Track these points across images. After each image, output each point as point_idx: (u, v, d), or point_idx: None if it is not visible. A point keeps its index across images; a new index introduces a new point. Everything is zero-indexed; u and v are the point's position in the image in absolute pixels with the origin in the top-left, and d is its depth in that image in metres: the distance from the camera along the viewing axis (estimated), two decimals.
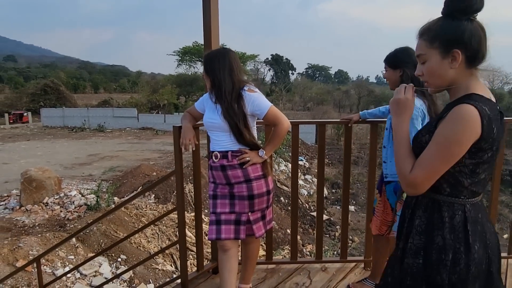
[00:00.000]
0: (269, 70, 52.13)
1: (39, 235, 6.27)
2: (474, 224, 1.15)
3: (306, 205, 11.17)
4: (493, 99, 1.14)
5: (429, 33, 1.15)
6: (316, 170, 2.67)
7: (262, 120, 2.00)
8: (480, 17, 1.13)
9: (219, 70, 1.89)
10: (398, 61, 1.95)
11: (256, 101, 1.90)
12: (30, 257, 5.47)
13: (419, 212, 1.20)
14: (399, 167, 1.16)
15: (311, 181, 13.36)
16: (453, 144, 1.07)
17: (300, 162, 14.16)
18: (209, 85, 1.96)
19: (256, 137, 2.08)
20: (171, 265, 6.48)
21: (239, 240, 2.09)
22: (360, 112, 2.45)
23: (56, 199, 8.50)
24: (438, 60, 1.14)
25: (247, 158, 1.92)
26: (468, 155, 1.09)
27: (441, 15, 1.16)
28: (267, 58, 51.39)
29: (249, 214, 1.97)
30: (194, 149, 2.07)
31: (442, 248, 1.13)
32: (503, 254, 2.71)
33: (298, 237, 8.38)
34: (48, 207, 8.22)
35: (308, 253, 8.12)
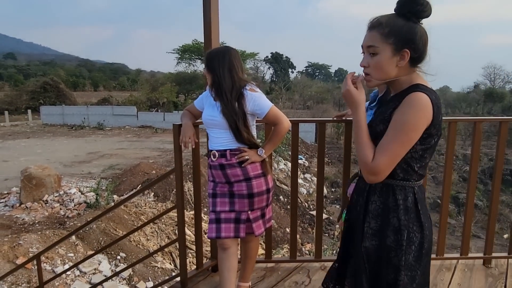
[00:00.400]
0: (269, 68, 52.09)
1: (39, 233, 6.27)
2: (422, 204, 1.25)
3: (306, 204, 11.17)
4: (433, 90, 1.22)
5: (385, 28, 1.17)
6: (316, 169, 2.67)
7: (261, 119, 2.01)
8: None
9: (219, 68, 1.89)
10: None
11: (257, 100, 1.91)
12: (30, 255, 5.47)
13: (374, 197, 1.26)
14: (360, 155, 1.19)
15: (310, 180, 13.36)
16: (411, 129, 1.13)
17: (299, 161, 14.15)
18: (209, 82, 1.96)
19: (256, 136, 2.08)
20: (170, 263, 6.48)
21: (239, 239, 2.09)
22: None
23: (56, 196, 8.50)
24: (389, 55, 1.18)
25: (246, 157, 1.92)
26: (419, 141, 1.17)
27: (393, 13, 1.20)
28: (267, 56, 51.34)
29: (249, 212, 1.98)
30: (194, 147, 2.07)
31: (398, 229, 1.21)
32: (503, 254, 2.73)
33: (298, 236, 8.39)
34: (48, 204, 8.21)
35: (307, 252, 8.13)
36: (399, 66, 1.20)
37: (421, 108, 1.13)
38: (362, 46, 1.24)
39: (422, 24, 1.20)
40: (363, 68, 1.25)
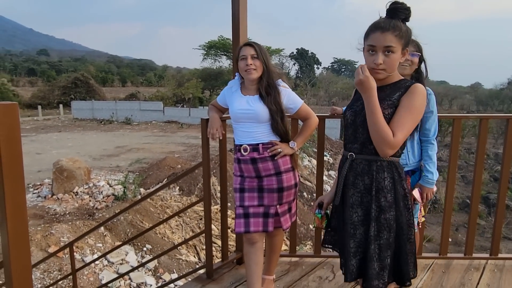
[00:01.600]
0: (294, 64, 51.73)
1: (70, 223, 6.53)
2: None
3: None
4: None
5: (397, 30, 1.39)
6: None
7: (293, 114, 2.04)
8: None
9: (268, 61, 1.96)
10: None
11: (291, 95, 1.99)
12: (61, 244, 5.71)
13: (384, 175, 1.46)
14: (380, 133, 1.38)
15: (335, 176, 13.22)
16: (419, 111, 1.41)
17: (324, 158, 14.01)
18: (259, 73, 1.96)
19: None
20: (194, 256, 6.60)
21: (264, 234, 2.10)
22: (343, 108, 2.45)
23: (86, 188, 8.81)
24: (399, 54, 1.42)
25: (279, 150, 1.94)
26: None
27: (390, 18, 1.40)
28: (292, 52, 50.99)
29: (277, 206, 1.99)
30: (221, 138, 2.11)
31: (405, 196, 1.48)
32: (485, 255, 2.68)
33: (322, 232, 8.32)
34: (78, 196, 8.53)
35: (331, 249, 8.07)
36: (399, 63, 1.46)
37: (424, 95, 1.43)
38: (374, 45, 1.40)
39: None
40: (375, 64, 1.41)
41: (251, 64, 1.92)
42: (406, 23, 1.43)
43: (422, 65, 2.01)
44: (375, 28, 1.40)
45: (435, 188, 2.07)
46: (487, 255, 2.66)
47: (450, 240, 9.50)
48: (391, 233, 1.45)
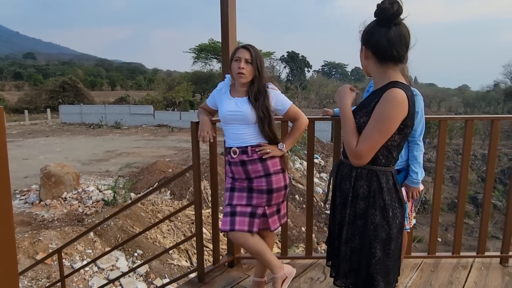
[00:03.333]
0: (285, 67, 51.92)
1: (58, 229, 6.42)
2: (398, 185, 1.49)
3: (321, 203, 11.11)
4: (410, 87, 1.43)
5: (361, 35, 1.43)
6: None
7: (282, 116, 2.07)
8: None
9: (261, 66, 1.98)
10: None
11: (280, 97, 2.01)
12: (50, 250, 5.61)
13: (361, 182, 1.44)
14: (346, 142, 1.40)
15: (326, 179, 13.28)
16: (388, 120, 1.32)
17: (315, 160, 14.07)
18: (249, 78, 1.97)
19: None
20: (186, 261, 6.55)
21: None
22: (334, 109, 2.50)
23: (75, 194, 8.69)
24: (361, 52, 1.44)
25: (268, 150, 1.96)
26: (397, 131, 1.36)
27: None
28: (283, 55, 51.18)
29: (266, 207, 2.00)
30: (211, 141, 2.11)
31: (384, 208, 1.41)
32: (473, 254, 2.72)
33: (313, 235, 8.36)
34: (66, 202, 8.41)
35: (323, 251, 8.10)
36: (368, 61, 1.43)
37: (398, 102, 1.31)
38: None
39: (392, 26, 1.35)
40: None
41: (243, 68, 1.93)
42: (390, 23, 1.38)
43: None
44: None
45: (421, 187, 2.10)
46: (474, 254, 2.71)
47: (439, 240, 9.61)
48: (361, 239, 1.44)
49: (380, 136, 1.34)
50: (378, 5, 1.34)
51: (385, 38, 1.34)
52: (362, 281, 1.45)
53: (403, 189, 2.04)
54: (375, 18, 1.37)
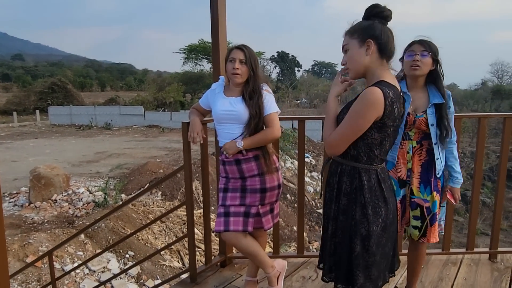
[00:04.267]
0: (275, 67, 52.01)
1: (48, 232, 6.35)
2: (385, 183, 1.49)
3: (313, 202, 11.17)
4: (398, 87, 1.44)
5: (351, 30, 1.46)
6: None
7: None
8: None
9: (256, 66, 1.99)
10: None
11: (270, 100, 2.00)
12: (40, 253, 5.55)
13: (344, 178, 1.49)
14: (324, 132, 1.48)
15: (317, 178, 13.35)
16: (359, 117, 1.36)
17: (306, 159, 14.14)
18: (244, 78, 1.98)
19: None
20: (178, 262, 6.54)
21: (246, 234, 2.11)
22: None
23: (65, 196, 8.59)
24: (356, 48, 1.43)
25: (223, 152, 2.00)
26: (376, 130, 1.38)
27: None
28: (273, 55, 51.26)
29: (259, 207, 2.01)
30: (202, 142, 2.11)
31: (364, 205, 1.43)
32: (509, 249, 2.77)
33: (305, 233, 8.41)
34: (56, 204, 8.31)
35: (314, 250, 8.14)
36: (369, 55, 1.42)
37: (370, 100, 1.33)
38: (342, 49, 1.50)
39: (385, 24, 1.44)
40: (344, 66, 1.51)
41: (237, 69, 1.94)
42: (384, 22, 1.44)
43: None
44: None
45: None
46: (463, 250, 2.75)
47: None
48: (344, 234, 1.48)
49: (350, 131, 1.39)
50: (376, 5, 1.43)
51: (386, 34, 1.42)
52: (343, 274, 1.50)
53: (449, 192, 2.00)
54: (372, 16, 1.43)
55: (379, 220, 1.45)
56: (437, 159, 1.92)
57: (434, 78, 1.92)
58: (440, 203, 2.01)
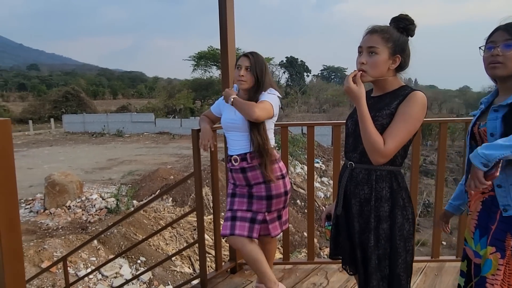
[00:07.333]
0: (284, 72, 52.03)
1: (63, 237, 6.45)
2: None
3: (323, 207, 11.10)
4: None
5: (386, 34, 1.40)
6: (332, 173, 2.69)
7: (280, 122, 2.10)
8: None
9: (263, 75, 2.00)
10: None
11: (267, 95, 2.00)
12: (55, 259, 5.64)
13: (383, 184, 1.44)
14: (371, 142, 1.35)
15: (327, 183, 13.26)
16: (416, 120, 1.36)
17: (316, 165, 14.07)
18: (249, 84, 2.01)
19: (273, 139, 2.11)
20: (189, 268, 6.56)
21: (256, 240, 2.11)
22: None
23: (78, 202, 8.72)
24: (385, 57, 1.39)
25: (224, 92, 2.04)
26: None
27: (389, 25, 1.44)
28: (282, 61, 51.30)
29: (266, 214, 2.01)
30: (212, 149, 2.14)
31: (404, 207, 1.44)
32: (427, 258, 2.74)
33: (315, 240, 8.35)
34: (70, 210, 8.43)
35: (325, 256, 8.08)
36: (390, 69, 1.42)
37: (424, 104, 1.37)
38: (361, 46, 1.43)
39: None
40: (359, 64, 1.42)
41: (242, 76, 1.98)
42: (409, 36, 1.44)
43: None
44: (366, 31, 1.44)
45: None
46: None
47: (444, 243, 9.54)
48: (389, 243, 1.43)
49: (407, 135, 1.37)
50: (411, 20, 1.43)
51: (409, 52, 1.45)
52: (389, 282, 1.47)
53: None
54: (401, 28, 1.42)
55: (413, 221, 1.47)
56: (499, 186, 1.31)
57: None
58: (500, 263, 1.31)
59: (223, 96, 2.10)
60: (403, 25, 1.42)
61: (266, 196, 2.00)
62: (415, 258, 2.61)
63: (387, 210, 1.43)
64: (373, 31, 1.41)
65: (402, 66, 1.45)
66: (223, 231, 2.03)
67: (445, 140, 2.59)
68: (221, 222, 2.59)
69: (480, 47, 1.40)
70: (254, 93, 2.01)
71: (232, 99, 1.97)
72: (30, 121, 27.04)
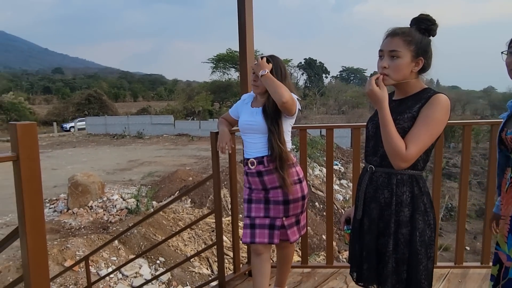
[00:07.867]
0: (302, 74, 51.85)
1: (85, 237, 6.61)
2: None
3: (342, 210, 10.97)
4: None
5: (407, 37, 1.36)
6: (352, 175, 2.65)
7: (297, 125, 2.06)
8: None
9: (281, 77, 1.96)
10: None
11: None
12: (77, 257, 5.77)
13: (404, 188, 1.41)
14: (392, 146, 1.32)
15: (346, 186, 13.11)
16: (439, 123, 1.33)
17: (335, 167, 13.93)
18: (263, 89, 1.98)
19: (290, 142, 2.09)
20: (207, 269, 6.60)
21: (273, 245, 2.10)
22: None
23: (100, 202, 8.91)
24: (408, 61, 1.36)
25: (256, 63, 1.96)
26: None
27: (410, 27, 1.40)
28: (300, 62, 51.15)
29: (284, 219, 1.99)
30: (230, 152, 2.14)
31: (425, 212, 1.41)
32: (450, 264, 2.65)
33: (334, 243, 8.25)
34: (92, 210, 8.63)
35: (344, 259, 7.97)
36: (413, 72, 1.38)
37: (447, 107, 1.34)
38: (382, 49, 1.39)
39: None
40: (381, 68, 1.39)
41: (255, 81, 1.98)
42: (431, 37, 1.40)
43: None
44: (387, 34, 1.40)
45: None
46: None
47: (468, 248, 9.28)
48: (408, 248, 1.40)
49: (430, 139, 1.34)
50: (433, 20, 1.38)
51: (431, 53, 1.40)
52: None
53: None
54: (423, 29, 1.38)
55: (434, 226, 1.45)
56: None
57: None
58: None
59: (252, 70, 2.01)
60: (425, 26, 1.37)
61: (283, 201, 1.97)
62: (438, 264, 2.58)
63: (408, 215, 1.40)
64: (394, 33, 1.37)
65: (424, 68, 1.41)
66: (243, 239, 2.02)
67: (469, 143, 2.52)
68: (239, 224, 2.60)
69: (502, 52, 1.42)
70: (270, 96, 1.95)
71: (265, 72, 1.89)
72: (55, 123, 27.90)
